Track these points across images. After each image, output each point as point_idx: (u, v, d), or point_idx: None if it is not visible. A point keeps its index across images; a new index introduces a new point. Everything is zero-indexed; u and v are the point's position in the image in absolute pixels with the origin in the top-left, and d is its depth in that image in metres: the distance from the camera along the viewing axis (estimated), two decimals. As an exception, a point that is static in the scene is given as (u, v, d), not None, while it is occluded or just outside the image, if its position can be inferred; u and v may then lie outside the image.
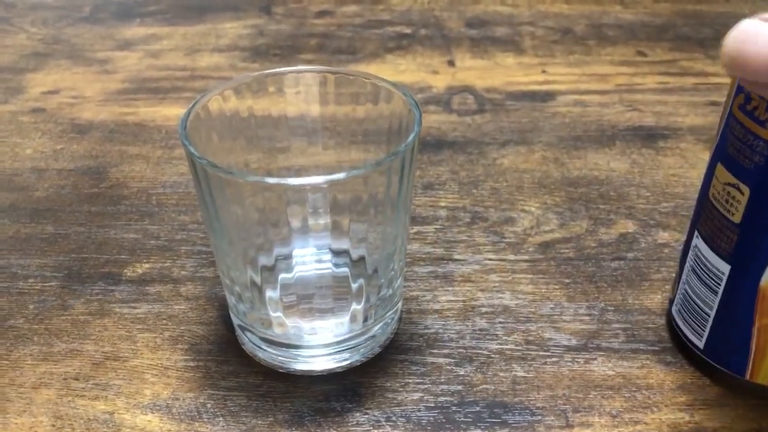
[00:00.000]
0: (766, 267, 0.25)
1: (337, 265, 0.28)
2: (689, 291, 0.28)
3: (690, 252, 0.28)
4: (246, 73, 0.52)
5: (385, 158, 0.25)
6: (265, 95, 0.30)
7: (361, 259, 0.28)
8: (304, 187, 0.25)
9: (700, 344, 0.28)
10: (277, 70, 0.30)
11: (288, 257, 0.28)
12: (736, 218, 0.25)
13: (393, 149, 0.29)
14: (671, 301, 0.30)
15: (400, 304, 0.31)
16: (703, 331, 0.28)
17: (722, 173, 0.25)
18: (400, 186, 0.27)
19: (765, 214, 0.24)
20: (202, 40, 0.57)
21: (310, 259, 0.28)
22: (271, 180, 0.24)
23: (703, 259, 0.27)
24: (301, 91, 0.31)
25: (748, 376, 0.28)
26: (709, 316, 0.28)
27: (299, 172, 0.32)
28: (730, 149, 0.25)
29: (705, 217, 0.27)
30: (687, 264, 0.29)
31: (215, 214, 0.26)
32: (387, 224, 0.27)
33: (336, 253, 0.28)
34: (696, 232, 0.28)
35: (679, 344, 0.30)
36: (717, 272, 0.27)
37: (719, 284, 0.27)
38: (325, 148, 0.31)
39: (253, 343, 0.30)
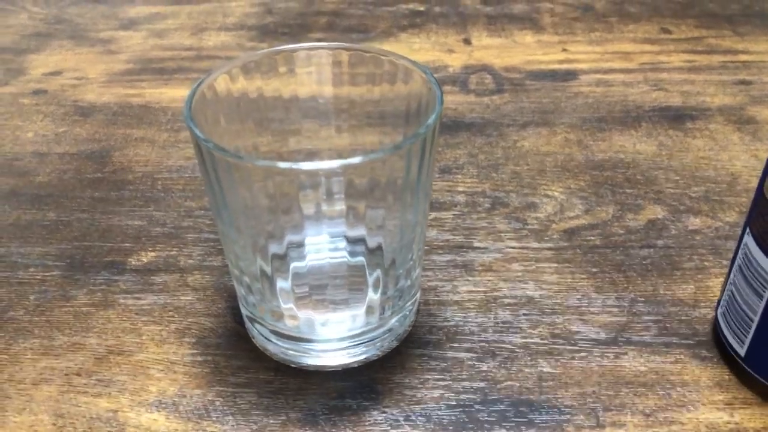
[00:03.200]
0: None
1: (352, 254, 0.26)
2: (735, 293, 0.27)
3: (740, 250, 0.26)
4: (254, 51, 0.50)
5: (404, 140, 0.23)
6: (275, 74, 0.28)
7: (378, 247, 0.26)
8: (319, 172, 0.23)
9: (742, 352, 0.27)
10: (288, 47, 0.28)
11: (300, 246, 0.26)
12: None
13: (411, 131, 0.27)
14: (718, 302, 0.29)
15: (418, 295, 0.30)
16: (746, 337, 0.26)
17: None
18: (420, 170, 0.25)
19: None
20: (208, 19, 0.55)
21: (324, 247, 0.27)
22: (283, 164, 0.22)
23: (752, 258, 0.25)
24: (313, 70, 0.29)
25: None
26: (753, 322, 0.26)
27: (311, 155, 0.30)
28: None
29: (758, 213, 0.25)
30: (735, 263, 0.27)
31: (222, 200, 0.25)
32: (406, 211, 0.25)
33: (351, 241, 0.26)
34: (747, 230, 0.26)
35: (721, 349, 0.28)
36: (765, 274, 0.25)
37: (766, 287, 0.25)
38: (339, 130, 0.29)
39: (264, 337, 0.29)
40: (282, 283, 0.27)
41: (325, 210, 0.25)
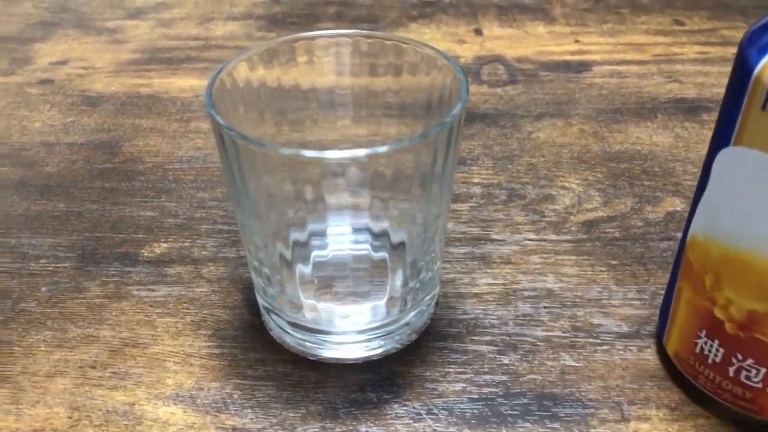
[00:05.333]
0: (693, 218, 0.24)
1: (375, 246, 0.26)
2: None
3: None
4: (263, 41, 0.50)
5: (431, 130, 0.23)
6: (294, 62, 0.28)
7: (401, 239, 0.26)
8: (344, 161, 0.22)
9: None
10: (308, 34, 0.28)
11: (322, 236, 0.26)
12: None
13: (433, 122, 0.27)
14: None
15: (437, 287, 0.29)
16: None
17: None
18: (445, 161, 0.24)
19: None
20: (215, 8, 0.55)
21: (345, 238, 0.26)
22: (308, 153, 0.22)
23: None
24: (332, 58, 0.28)
25: (665, 343, 0.27)
26: None
27: (329, 146, 0.30)
28: None
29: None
30: None
31: (244, 189, 0.24)
32: (430, 202, 0.25)
33: (374, 232, 0.26)
34: None
35: None
36: None
37: None
38: (359, 121, 0.29)
39: (282, 329, 0.28)
40: (302, 274, 0.26)
41: (348, 201, 0.24)
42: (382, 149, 0.22)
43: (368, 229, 0.25)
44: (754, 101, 0.20)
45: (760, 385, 0.24)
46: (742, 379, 0.24)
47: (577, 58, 0.47)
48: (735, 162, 0.21)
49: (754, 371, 0.24)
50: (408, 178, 0.24)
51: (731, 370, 0.24)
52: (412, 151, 0.23)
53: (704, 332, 0.24)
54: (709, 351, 0.24)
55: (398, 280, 0.26)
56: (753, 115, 0.20)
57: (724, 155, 0.22)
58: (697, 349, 0.25)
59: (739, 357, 0.24)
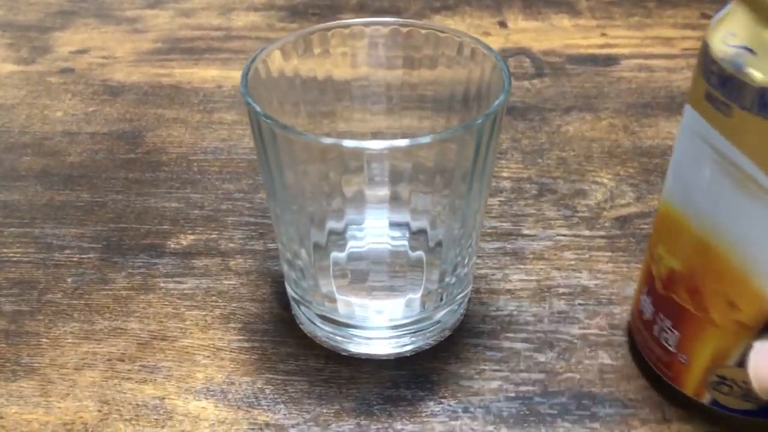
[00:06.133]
0: None
1: (412, 240, 0.25)
2: None
3: None
4: (285, 31, 0.49)
5: (475, 120, 0.22)
6: (327, 51, 0.27)
7: (439, 233, 0.25)
8: (385, 152, 0.22)
9: None
10: (341, 22, 0.27)
11: (359, 229, 0.25)
12: None
13: (471, 114, 0.26)
14: None
15: (471, 284, 0.29)
16: None
17: None
18: (487, 153, 0.24)
19: None
20: (236, -1, 0.54)
21: (382, 231, 0.25)
22: (349, 143, 0.21)
23: None
24: (367, 47, 0.28)
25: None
26: None
27: (366, 137, 0.29)
28: None
29: None
30: None
31: (280, 180, 0.24)
32: (471, 196, 0.24)
33: (412, 226, 0.25)
34: None
35: None
36: None
37: None
38: (394, 112, 0.28)
39: (313, 323, 0.28)
40: (337, 267, 0.26)
41: (387, 193, 0.24)
42: (425, 139, 0.22)
43: (406, 223, 0.25)
44: (700, 63, 0.20)
45: (674, 350, 0.24)
46: (662, 341, 0.24)
47: (604, 51, 0.46)
48: (685, 122, 0.22)
49: (670, 334, 0.24)
50: (450, 170, 0.23)
51: (655, 330, 0.25)
52: (455, 142, 0.22)
53: (645, 289, 0.25)
54: (644, 308, 0.25)
55: (434, 275, 0.26)
56: (696, 78, 0.21)
57: (685, 115, 0.22)
58: (639, 306, 0.26)
59: (661, 317, 0.24)
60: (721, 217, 0.21)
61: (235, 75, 0.45)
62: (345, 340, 0.27)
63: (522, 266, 0.31)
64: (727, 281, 0.21)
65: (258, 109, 0.22)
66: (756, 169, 0.19)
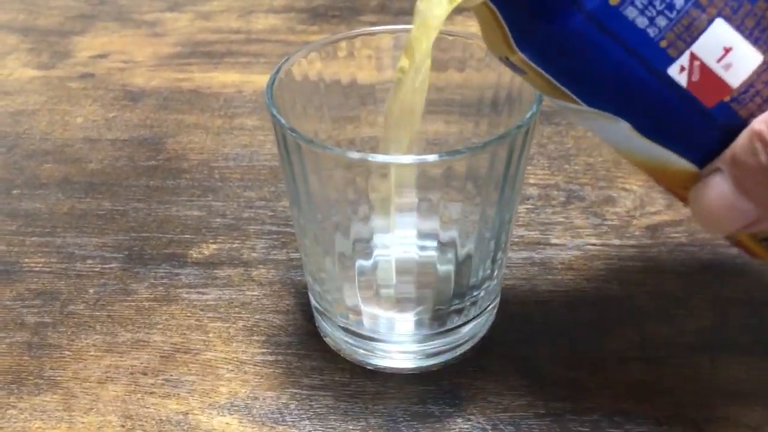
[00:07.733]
0: None
1: (441, 251, 0.25)
2: None
3: None
4: (306, 35, 0.49)
5: (510, 130, 0.21)
6: (353, 58, 0.27)
7: (469, 244, 0.25)
8: (413, 166, 0.21)
9: None
10: (366, 29, 0.27)
11: (386, 240, 0.25)
12: None
13: (500, 120, 0.26)
14: None
15: (499, 295, 0.28)
16: None
17: None
18: (519, 162, 0.23)
19: None
20: (255, 1, 0.54)
21: (410, 242, 0.25)
22: (377, 158, 0.21)
23: None
24: (392, 54, 0.27)
25: None
26: None
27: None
28: None
29: None
30: None
31: (306, 191, 0.23)
32: (503, 207, 0.24)
33: (441, 237, 0.24)
34: None
35: None
36: None
37: None
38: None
39: (339, 336, 0.27)
40: (363, 279, 0.25)
41: (415, 203, 0.23)
42: (455, 156, 0.21)
43: (435, 233, 0.24)
44: None
45: None
46: None
47: (630, 52, 0.45)
48: None
49: None
50: (481, 181, 0.23)
51: None
52: (488, 152, 0.22)
53: None
54: None
55: (463, 288, 0.25)
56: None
57: None
58: None
59: None
60: (620, 146, 0.22)
61: (255, 79, 0.44)
62: (370, 353, 0.27)
63: (551, 277, 0.30)
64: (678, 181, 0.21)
65: (283, 121, 0.22)
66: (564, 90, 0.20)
